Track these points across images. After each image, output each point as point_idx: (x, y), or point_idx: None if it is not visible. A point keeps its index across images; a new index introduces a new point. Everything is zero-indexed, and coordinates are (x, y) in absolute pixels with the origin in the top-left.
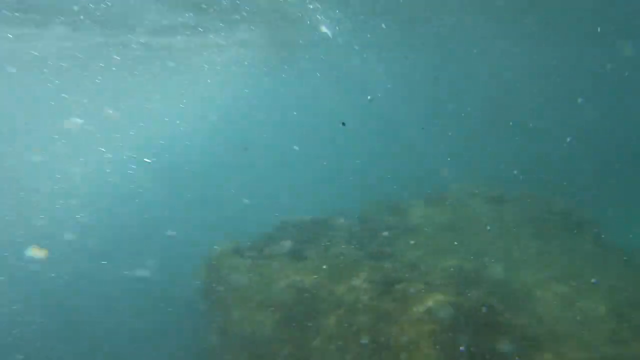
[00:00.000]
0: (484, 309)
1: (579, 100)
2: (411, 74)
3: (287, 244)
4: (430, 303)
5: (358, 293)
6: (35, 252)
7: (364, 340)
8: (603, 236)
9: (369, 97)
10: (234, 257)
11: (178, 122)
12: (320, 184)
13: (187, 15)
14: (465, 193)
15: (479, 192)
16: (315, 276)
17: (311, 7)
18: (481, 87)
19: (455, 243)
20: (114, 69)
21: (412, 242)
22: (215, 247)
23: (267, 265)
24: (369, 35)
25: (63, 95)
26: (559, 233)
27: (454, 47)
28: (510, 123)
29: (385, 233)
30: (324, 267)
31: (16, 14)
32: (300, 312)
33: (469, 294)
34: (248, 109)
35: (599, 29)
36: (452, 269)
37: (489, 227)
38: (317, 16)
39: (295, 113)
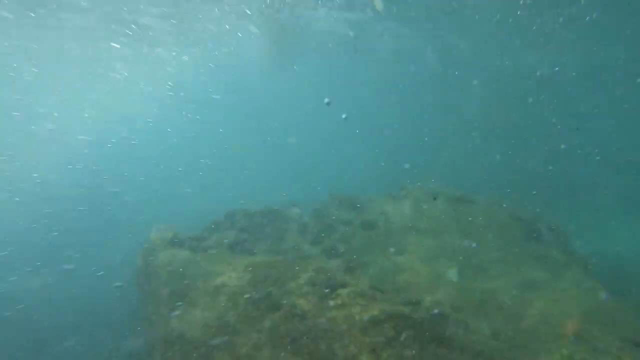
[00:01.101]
0: (433, 321)
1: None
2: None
3: (231, 235)
4: (375, 312)
5: (298, 296)
6: None
7: (299, 350)
8: (567, 243)
9: (326, 100)
10: (171, 247)
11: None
12: (276, 176)
13: None
14: (427, 192)
15: (441, 191)
16: (255, 274)
17: None
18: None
19: (412, 244)
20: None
21: (367, 240)
22: (152, 236)
23: (205, 259)
24: None
25: None
26: (522, 239)
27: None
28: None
29: (341, 228)
30: (266, 263)
31: None
32: (233, 313)
33: (419, 303)
34: (208, 98)
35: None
36: (405, 273)
37: (470, 243)
38: None
39: (258, 105)
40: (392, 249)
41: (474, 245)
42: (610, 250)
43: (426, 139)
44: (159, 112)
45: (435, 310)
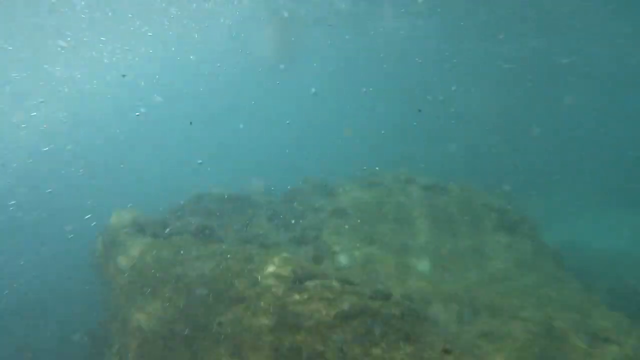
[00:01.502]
0: (404, 316)
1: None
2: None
3: (196, 221)
4: (344, 307)
5: (262, 289)
6: None
7: (262, 346)
8: (538, 235)
9: (313, 90)
10: (132, 233)
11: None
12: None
13: None
14: (400, 179)
15: (414, 179)
16: (219, 264)
17: None
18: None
19: (384, 233)
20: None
21: (338, 228)
22: (112, 221)
23: (168, 246)
24: None
25: None
26: (494, 230)
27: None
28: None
29: (312, 215)
30: (231, 253)
31: None
32: (195, 305)
33: (389, 297)
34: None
35: None
36: (375, 263)
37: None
38: None
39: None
40: (362, 238)
41: (447, 236)
42: (580, 241)
43: (397, 125)
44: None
45: (406, 305)
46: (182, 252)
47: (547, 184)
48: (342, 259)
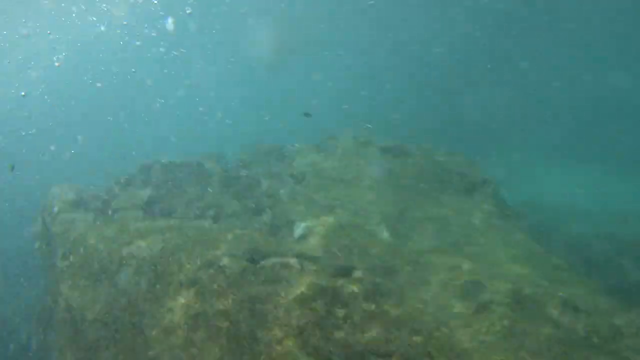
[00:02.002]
0: (367, 294)
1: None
2: None
3: (143, 194)
4: (302, 288)
5: (215, 270)
6: None
7: (216, 334)
8: (501, 196)
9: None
10: (72, 209)
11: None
12: (199, 128)
13: None
14: (357, 142)
15: (372, 141)
16: (168, 243)
17: None
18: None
19: (343, 199)
20: None
21: (295, 194)
22: (51, 197)
23: (113, 224)
24: None
25: None
26: (456, 193)
27: None
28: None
29: (266, 182)
30: (181, 230)
31: None
32: (140, 290)
33: (351, 273)
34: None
35: None
36: (336, 234)
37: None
38: None
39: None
40: (321, 206)
41: (408, 199)
42: (538, 200)
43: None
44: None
45: (369, 281)
46: (128, 229)
47: (503, 143)
48: (300, 230)
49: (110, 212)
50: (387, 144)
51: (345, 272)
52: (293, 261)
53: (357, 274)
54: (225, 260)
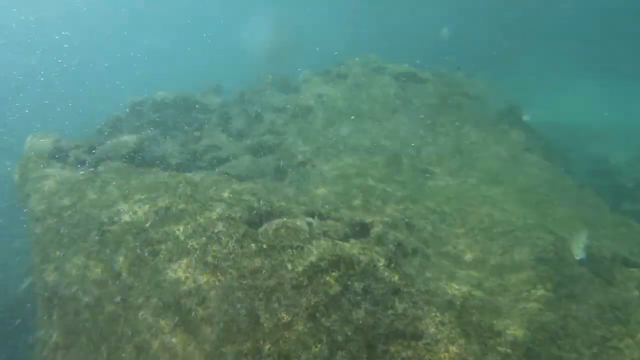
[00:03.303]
0: (388, 264)
1: None
2: None
3: (130, 141)
4: (312, 258)
5: (210, 237)
6: None
7: (209, 318)
8: (526, 124)
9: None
10: (50, 162)
11: None
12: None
13: None
14: (369, 68)
15: (384, 67)
16: (156, 204)
17: None
18: None
19: (356, 134)
20: None
21: (302, 131)
22: (26, 147)
23: (93, 180)
24: None
25: None
26: (479, 121)
27: None
28: None
29: (271, 117)
30: (171, 185)
31: None
32: (126, 263)
33: (369, 232)
34: None
35: None
36: (347, 178)
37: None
38: None
39: None
40: (331, 143)
41: (429, 132)
42: (559, 120)
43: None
44: None
45: (390, 243)
46: (111, 188)
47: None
48: (309, 176)
49: (90, 165)
50: (400, 69)
51: (362, 229)
52: (300, 222)
53: (377, 230)
54: (220, 226)
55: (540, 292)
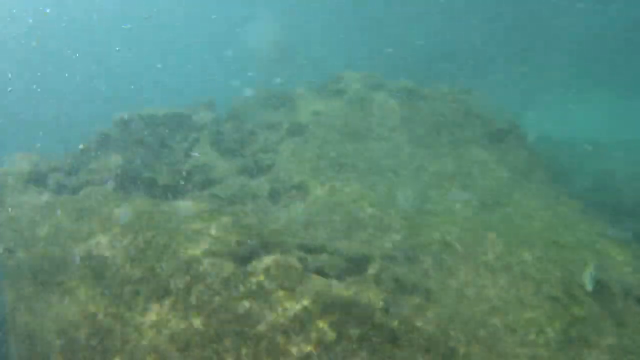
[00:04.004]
0: (386, 305)
1: None
2: None
3: (114, 163)
4: (305, 301)
5: (194, 276)
6: None
7: None
8: (528, 144)
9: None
10: (25, 186)
11: None
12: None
13: None
14: (366, 84)
15: (382, 84)
16: (137, 235)
17: None
18: None
19: (352, 156)
20: None
21: (296, 151)
22: (2, 171)
23: (72, 208)
24: None
25: None
26: (480, 141)
27: None
28: None
29: (263, 135)
30: (152, 215)
31: None
32: (103, 302)
33: (367, 269)
34: None
35: None
36: (345, 204)
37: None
38: None
39: None
40: (327, 164)
41: (428, 153)
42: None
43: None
44: None
45: (390, 281)
46: (90, 215)
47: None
48: (303, 201)
49: (71, 190)
50: (401, 85)
51: (359, 263)
52: (292, 259)
53: (374, 266)
54: (205, 264)
55: (550, 334)
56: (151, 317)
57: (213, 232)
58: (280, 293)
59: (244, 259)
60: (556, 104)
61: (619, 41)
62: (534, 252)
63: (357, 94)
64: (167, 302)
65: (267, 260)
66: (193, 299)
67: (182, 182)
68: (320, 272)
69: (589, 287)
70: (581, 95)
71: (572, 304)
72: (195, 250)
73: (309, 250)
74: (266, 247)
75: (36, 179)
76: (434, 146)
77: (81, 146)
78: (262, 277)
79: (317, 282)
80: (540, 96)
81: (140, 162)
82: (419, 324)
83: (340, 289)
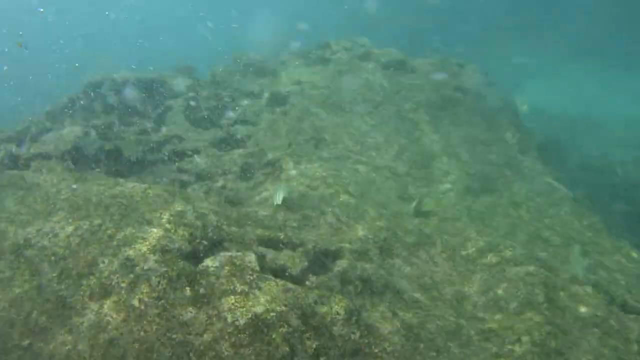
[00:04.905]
0: (347, 318)
1: None
2: None
3: (71, 134)
4: (258, 309)
5: (137, 275)
6: None
7: None
8: (521, 123)
9: None
10: None
11: None
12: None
13: None
14: (355, 53)
15: (370, 54)
16: (83, 224)
17: None
18: None
19: (336, 129)
20: None
21: (275, 122)
22: None
23: (15, 185)
24: None
25: None
26: (471, 119)
27: None
28: None
29: (244, 102)
30: (101, 201)
31: None
32: (38, 300)
33: (333, 267)
34: None
35: None
36: (323, 191)
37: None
38: None
39: None
40: (306, 138)
41: (410, 131)
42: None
43: None
44: None
45: (357, 281)
46: (34, 198)
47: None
48: (278, 178)
49: (24, 162)
50: (389, 57)
51: (325, 259)
52: (249, 257)
53: (342, 263)
54: (151, 261)
55: (526, 345)
56: (90, 317)
57: (165, 222)
58: (231, 299)
59: (196, 255)
60: (553, 75)
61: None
62: (516, 246)
63: (343, 64)
64: (107, 302)
65: (221, 258)
66: (135, 302)
67: (149, 155)
68: (281, 271)
69: (582, 274)
70: (577, 65)
71: (553, 309)
72: (143, 245)
73: (272, 243)
74: (222, 242)
75: None
76: (421, 124)
77: (46, 109)
78: (212, 279)
79: (273, 286)
80: (540, 67)
81: (107, 131)
82: (384, 332)
83: (298, 295)
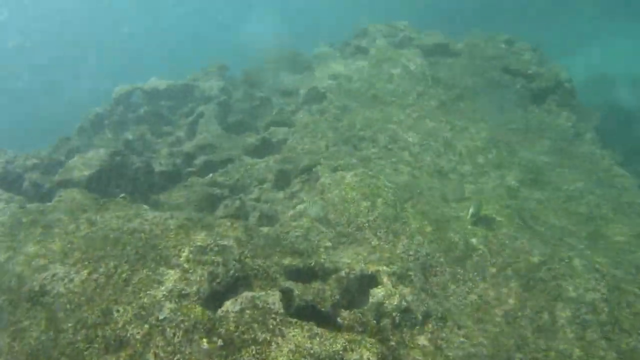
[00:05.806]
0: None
1: None
2: None
3: (96, 158)
4: (281, 358)
5: (153, 325)
6: None
7: None
8: (576, 100)
9: None
10: None
11: None
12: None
13: None
14: (394, 40)
15: (412, 38)
16: (95, 265)
17: None
18: None
19: (376, 126)
20: None
21: (312, 124)
22: None
23: (35, 223)
24: None
25: None
26: (521, 102)
27: None
28: None
29: (278, 103)
30: (118, 240)
31: None
32: (54, 350)
33: (368, 306)
34: None
35: None
36: (360, 204)
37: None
38: None
39: None
40: (344, 138)
41: (457, 120)
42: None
43: None
44: None
45: (395, 313)
46: (51, 237)
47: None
48: (311, 206)
49: (49, 192)
50: (430, 40)
51: (359, 287)
52: (273, 299)
53: (377, 294)
54: (166, 310)
55: None
56: None
57: (183, 260)
58: (251, 349)
59: (216, 297)
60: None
61: None
62: (575, 253)
63: (382, 52)
64: (123, 355)
65: (243, 300)
66: (151, 356)
67: (181, 167)
68: (310, 308)
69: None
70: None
71: (614, 333)
72: (158, 291)
73: (301, 273)
74: (246, 278)
75: (9, 181)
76: (466, 112)
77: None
78: (232, 327)
79: (298, 332)
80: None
81: (138, 144)
82: None
83: (325, 341)
